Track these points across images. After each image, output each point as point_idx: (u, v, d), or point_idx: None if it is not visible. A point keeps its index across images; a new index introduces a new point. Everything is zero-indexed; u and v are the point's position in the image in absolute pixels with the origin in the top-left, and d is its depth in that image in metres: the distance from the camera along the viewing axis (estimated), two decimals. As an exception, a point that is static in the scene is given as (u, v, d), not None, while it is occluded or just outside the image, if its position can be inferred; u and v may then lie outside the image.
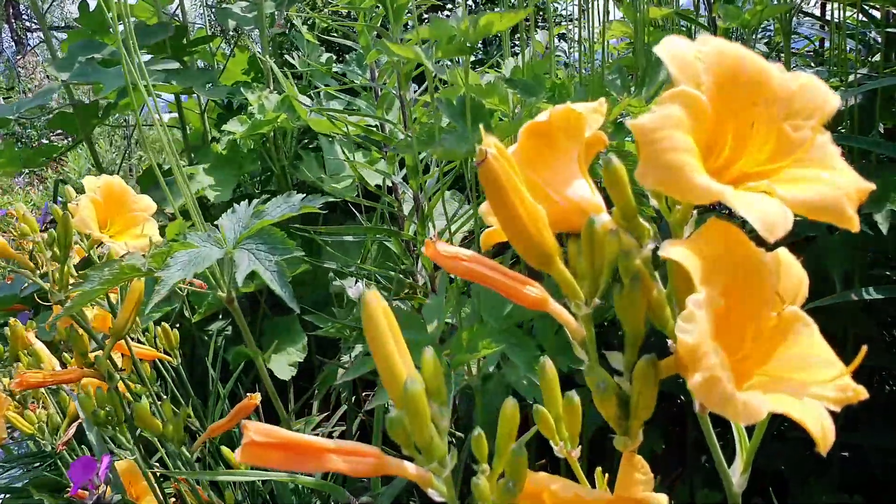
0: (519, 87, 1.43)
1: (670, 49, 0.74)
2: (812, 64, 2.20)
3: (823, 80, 1.79)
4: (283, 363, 2.80)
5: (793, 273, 0.77)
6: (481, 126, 1.51)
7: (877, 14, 2.06)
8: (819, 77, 1.78)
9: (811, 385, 0.72)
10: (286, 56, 3.02)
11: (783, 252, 0.78)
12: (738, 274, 0.73)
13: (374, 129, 1.96)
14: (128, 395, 1.92)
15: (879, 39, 2.08)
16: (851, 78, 1.87)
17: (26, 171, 5.75)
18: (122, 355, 2.23)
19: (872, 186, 0.72)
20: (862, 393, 0.75)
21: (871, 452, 1.99)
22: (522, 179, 0.92)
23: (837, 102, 0.77)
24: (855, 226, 0.69)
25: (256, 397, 1.71)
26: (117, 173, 2.90)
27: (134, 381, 2.20)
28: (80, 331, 1.72)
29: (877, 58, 1.97)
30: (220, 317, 3.25)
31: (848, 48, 2.21)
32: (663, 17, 2.06)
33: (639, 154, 0.72)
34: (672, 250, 0.69)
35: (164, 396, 2.33)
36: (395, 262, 2.21)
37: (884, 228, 1.59)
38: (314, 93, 3.00)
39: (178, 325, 2.31)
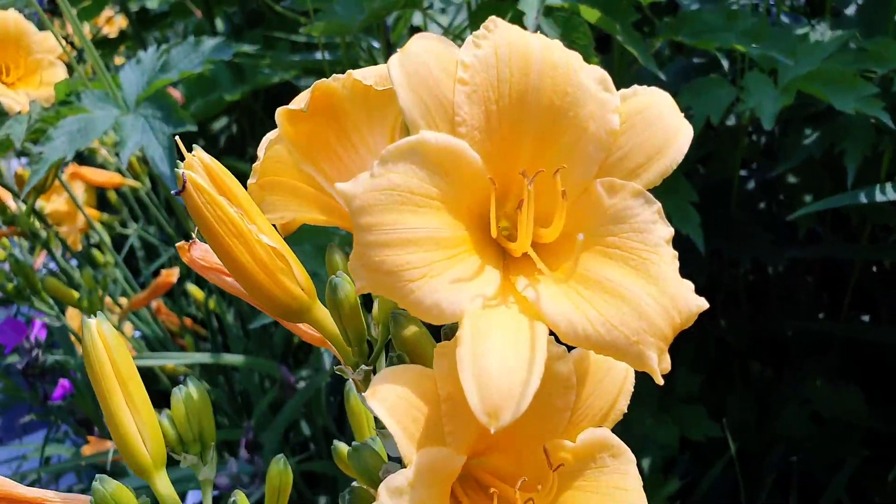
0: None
1: (406, 63, 0.47)
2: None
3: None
4: (274, 179, 2.65)
5: (608, 377, 0.54)
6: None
7: None
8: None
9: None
10: None
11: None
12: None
13: None
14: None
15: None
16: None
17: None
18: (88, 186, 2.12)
19: (702, 307, 0.47)
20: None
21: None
22: (291, 180, 0.68)
23: (685, 143, 0.49)
24: (657, 376, 0.45)
25: (174, 274, 1.58)
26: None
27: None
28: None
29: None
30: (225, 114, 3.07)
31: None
32: None
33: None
34: (379, 391, 0.47)
35: (134, 224, 2.25)
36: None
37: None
38: None
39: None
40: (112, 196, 2.19)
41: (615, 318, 0.44)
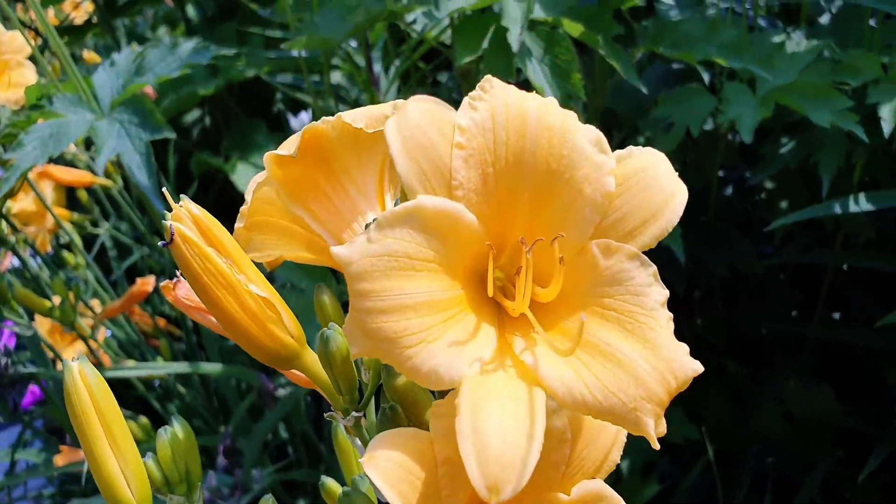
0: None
1: (403, 129, 0.46)
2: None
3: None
4: (250, 175, 2.61)
5: (603, 430, 0.54)
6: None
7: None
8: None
9: None
10: None
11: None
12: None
13: None
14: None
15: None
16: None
17: None
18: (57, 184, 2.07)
19: (697, 371, 0.47)
20: None
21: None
22: (279, 220, 0.67)
23: (681, 205, 0.49)
24: (654, 442, 0.46)
25: (149, 282, 1.56)
26: None
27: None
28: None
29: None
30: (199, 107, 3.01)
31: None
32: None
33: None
34: (375, 458, 0.47)
35: (106, 224, 2.21)
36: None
37: (887, 128, 1.28)
38: None
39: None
40: (83, 195, 2.15)
41: (612, 385, 0.44)
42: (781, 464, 1.61)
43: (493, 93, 0.47)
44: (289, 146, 0.59)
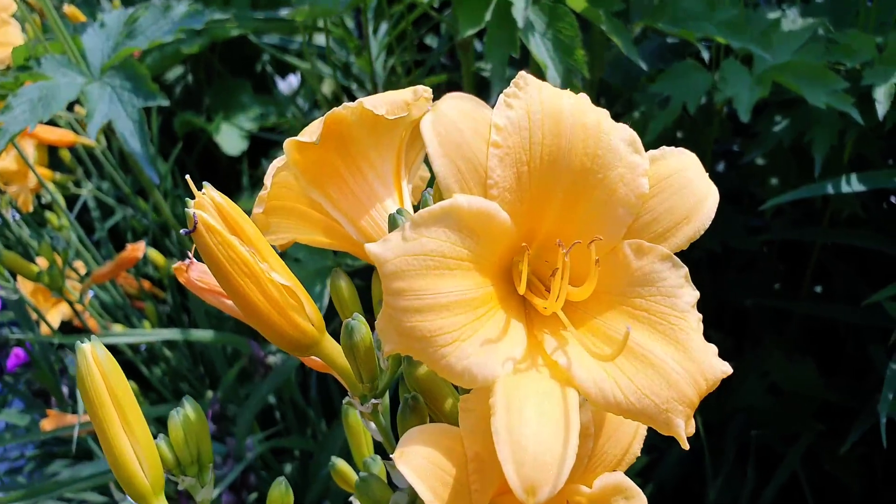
0: None
1: (439, 128, 0.45)
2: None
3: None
4: (234, 136, 2.57)
5: (624, 425, 0.55)
6: None
7: None
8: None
9: None
10: None
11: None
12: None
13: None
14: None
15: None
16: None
17: None
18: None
19: (727, 372, 0.48)
20: None
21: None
22: (297, 205, 0.66)
23: (713, 208, 0.50)
24: (684, 442, 0.46)
25: (139, 248, 1.54)
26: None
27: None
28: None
29: None
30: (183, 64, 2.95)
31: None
32: None
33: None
34: (406, 453, 0.47)
35: (89, 184, 2.18)
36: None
37: (881, 109, 1.28)
38: None
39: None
40: (65, 154, 2.10)
41: (646, 387, 0.45)
42: (765, 436, 1.65)
43: (527, 90, 0.47)
44: (310, 133, 0.59)
